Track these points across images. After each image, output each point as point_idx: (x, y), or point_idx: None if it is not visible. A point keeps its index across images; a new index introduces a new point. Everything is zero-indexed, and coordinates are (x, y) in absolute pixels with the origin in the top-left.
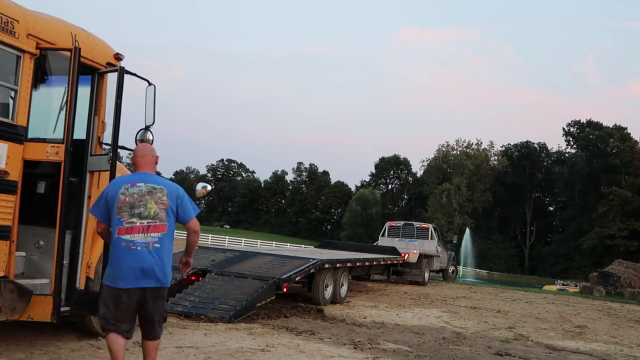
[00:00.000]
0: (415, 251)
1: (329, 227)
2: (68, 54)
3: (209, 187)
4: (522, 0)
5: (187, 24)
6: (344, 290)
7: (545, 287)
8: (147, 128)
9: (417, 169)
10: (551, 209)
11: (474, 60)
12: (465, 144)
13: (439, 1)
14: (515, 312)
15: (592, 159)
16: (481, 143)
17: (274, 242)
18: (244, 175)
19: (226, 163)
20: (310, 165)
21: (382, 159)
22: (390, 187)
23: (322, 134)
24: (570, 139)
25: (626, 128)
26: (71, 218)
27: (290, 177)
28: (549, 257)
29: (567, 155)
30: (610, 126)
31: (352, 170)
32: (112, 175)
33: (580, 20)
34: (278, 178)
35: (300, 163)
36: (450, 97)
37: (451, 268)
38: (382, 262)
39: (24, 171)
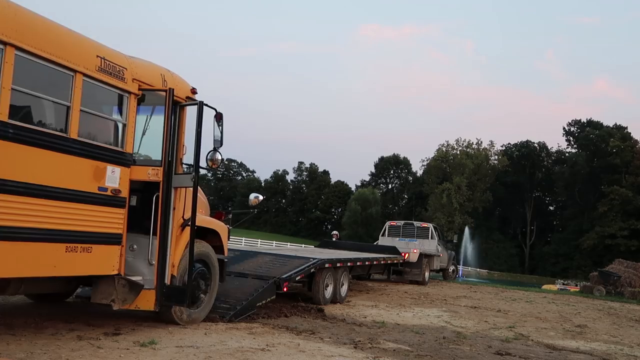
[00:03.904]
0: (415, 251)
1: (329, 227)
2: (163, 93)
3: (261, 197)
4: None
5: (181, 23)
6: (344, 289)
7: (544, 287)
8: (215, 149)
9: (417, 168)
10: (551, 208)
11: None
12: (465, 144)
13: None
14: (516, 311)
15: (593, 158)
16: (481, 142)
17: (274, 242)
18: (244, 174)
19: (226, 162)
20: (311, 164)
21: (382, 159)
22: (390, 186)
23: (322, 133)
24: (571, 138)
25: (626, 127)
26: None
27: (290, 176)
28: (549, 256)
29: (567, 154)
30: (611, 125)
31: (352, 169)
32: (195, 191)
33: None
34: (278, 177)
35: (301, 162)
36: (449, 96)
37: (451, 267)
38: (382, 262)
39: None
